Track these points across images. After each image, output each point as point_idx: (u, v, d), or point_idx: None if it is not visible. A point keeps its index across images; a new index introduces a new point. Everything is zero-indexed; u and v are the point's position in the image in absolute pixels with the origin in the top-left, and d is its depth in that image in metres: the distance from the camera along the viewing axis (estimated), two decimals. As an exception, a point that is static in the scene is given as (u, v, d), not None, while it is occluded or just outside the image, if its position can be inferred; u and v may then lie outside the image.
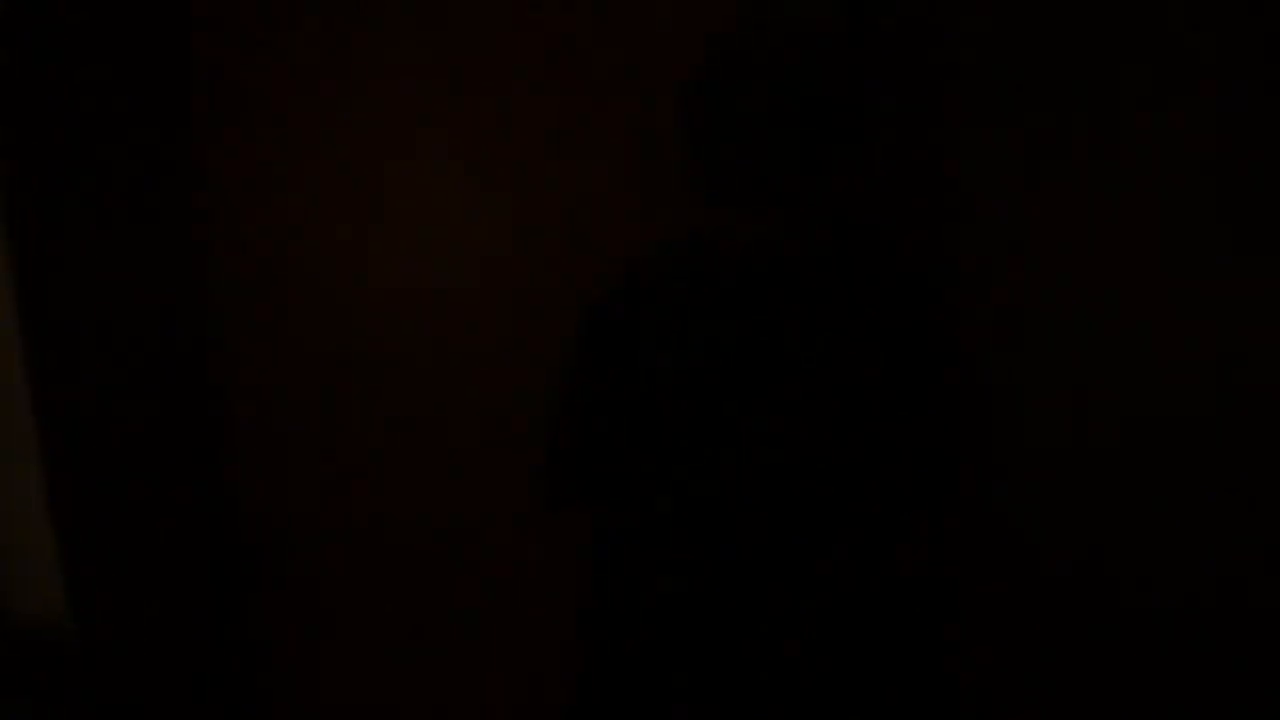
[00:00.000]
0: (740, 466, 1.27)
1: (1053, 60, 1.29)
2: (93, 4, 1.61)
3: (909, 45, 1.50)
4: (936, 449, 1.31)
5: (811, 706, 1.28)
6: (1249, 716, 1.11)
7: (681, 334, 1.29)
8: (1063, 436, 1.32)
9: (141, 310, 1.68)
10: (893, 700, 1.30)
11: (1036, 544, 1.37)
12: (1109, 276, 1.25)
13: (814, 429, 1.25)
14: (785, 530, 1.26)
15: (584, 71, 1.65)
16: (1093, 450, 1.29)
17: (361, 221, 1.71)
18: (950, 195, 1.47)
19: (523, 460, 1.75)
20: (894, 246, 1.33)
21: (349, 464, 1.76)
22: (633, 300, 1.32)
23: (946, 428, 1.32)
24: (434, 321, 1.73)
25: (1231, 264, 1.11)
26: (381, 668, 1.82)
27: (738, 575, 1.28)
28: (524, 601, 1.79)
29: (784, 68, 1.25)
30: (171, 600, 1.73)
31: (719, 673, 1.29)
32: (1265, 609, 1.09)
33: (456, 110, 1.67)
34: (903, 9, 1.50)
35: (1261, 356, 1.11)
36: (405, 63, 1.67)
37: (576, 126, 1.66)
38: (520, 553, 1.77)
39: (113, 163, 1.65)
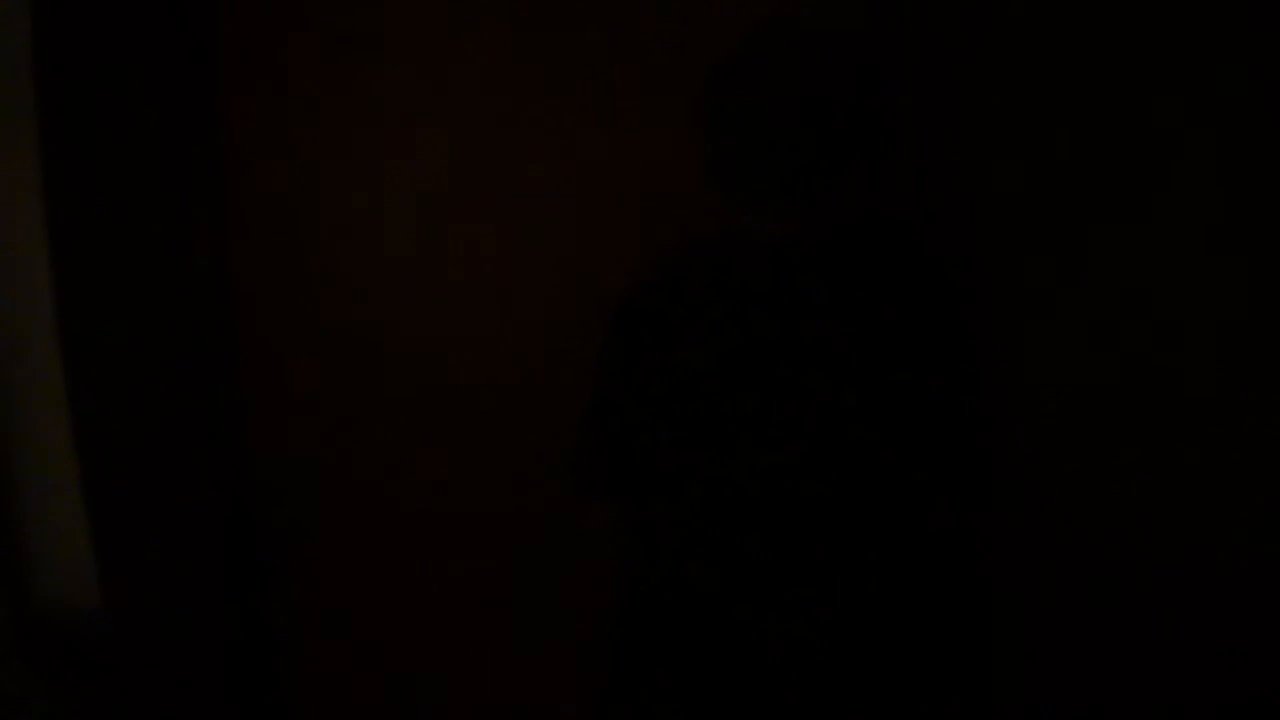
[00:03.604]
0: (767, 457, 1.28)
1: (1065, 61, 1.30)
2: (126, 12, 1.66)
3: (928, 45, 1.51)
4: (960, 438, 1.32)
5: (843, 696, 1.29)
6: (1256, 713, 1.10)
7: (710, 327, 1.31)
8: (1075, 431, 1.32)
9: (172, 309, 1.73)
10: (923, 686, 1.31)
11: (1044, 538, 1.38)
12: (1118, 276, 1.25)
13: (839, 420, 1.27)
14: (814, 519, 1.28)
15: (612, 71, 1.67)
16: (1102, 447, 1.29)
17: (390, 220, 1.75)
18: (968, 191, 1.48)
19: (548, 454, 1.77)
20: (914, 240, 1.34)
21: (374, 458, 1.79)
22: (663, 294, 1.35)
23: (969, 417, 1.33)
24: (460, 318, 1.75)
25: (1241, 263, 1.11)
26: (406, 659, 1.84)
27: (766, 563, 1.29)
28: (545, 592, 1.80)
29: (810, 68, 1.26)
30: (200, 589, 1.77)
31: (747, 660, 1.31)
32: (1271, 605, 1.09)
33: (485, 111, 1.70)
34: (921, 10, 1.51)
35: (1271, 357, 1.10)
36: (438, 63, 1.70)
37: (607, 124, 1.69)
38: (542, 545, 1.79)
39: (146, 162, 1.70)
